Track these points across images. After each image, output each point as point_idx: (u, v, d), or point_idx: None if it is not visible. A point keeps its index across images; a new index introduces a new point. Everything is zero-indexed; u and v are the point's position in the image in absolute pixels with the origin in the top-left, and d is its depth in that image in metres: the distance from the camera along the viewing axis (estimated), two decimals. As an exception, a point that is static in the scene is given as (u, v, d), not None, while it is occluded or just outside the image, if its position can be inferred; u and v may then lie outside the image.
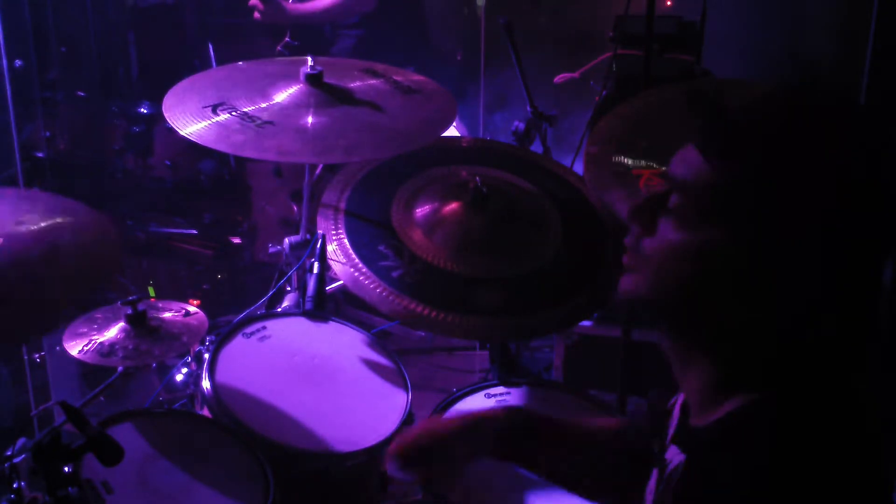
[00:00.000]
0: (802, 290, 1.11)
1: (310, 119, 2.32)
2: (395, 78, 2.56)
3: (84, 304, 2.28)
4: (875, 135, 1.13)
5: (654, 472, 1.28)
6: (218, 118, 2.28)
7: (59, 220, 1.95)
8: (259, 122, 2.27)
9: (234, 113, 2.29)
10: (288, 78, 2.43)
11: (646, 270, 1.20)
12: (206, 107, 2.32)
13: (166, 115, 2.31)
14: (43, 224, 1.92)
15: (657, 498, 1.22)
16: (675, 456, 1.22)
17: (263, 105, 2.35)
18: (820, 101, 1.15)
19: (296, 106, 2.36)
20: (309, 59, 2.43)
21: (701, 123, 1.16)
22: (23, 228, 1.89)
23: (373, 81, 2.52)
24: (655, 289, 1.20)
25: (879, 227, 1.11)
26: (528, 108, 3.10)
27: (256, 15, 3.83)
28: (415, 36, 4.05)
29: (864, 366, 1.16)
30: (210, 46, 3.91)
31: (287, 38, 3.88)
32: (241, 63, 2.66)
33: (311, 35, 3.97)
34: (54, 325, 2.10)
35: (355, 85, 2.48)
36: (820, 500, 1.07)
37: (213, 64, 3.90)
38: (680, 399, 1.31)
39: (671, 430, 1.30)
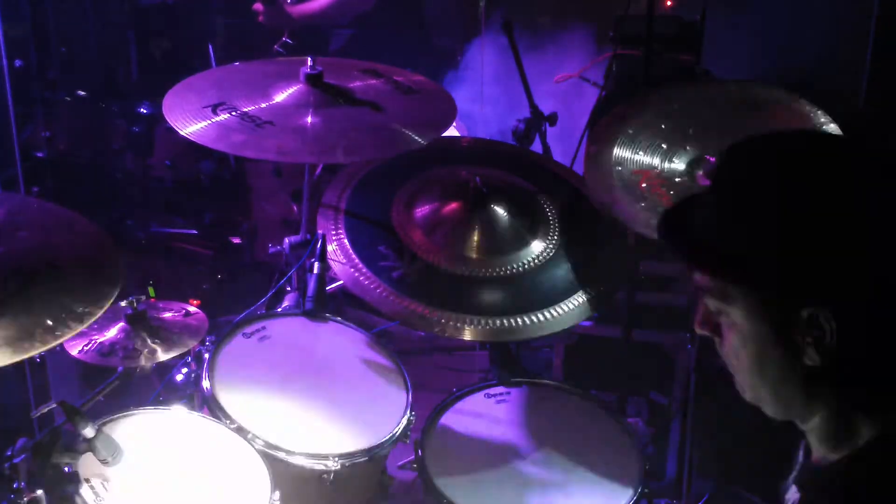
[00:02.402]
0: (855, 337, 1.12)
1: (309, 119, 2.32)
2: (395, 78, 2.55)
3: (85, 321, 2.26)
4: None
5: None
6: (218, 118, 2.28)
7: (57, 234, 1.93)
8: (259, 121, 2.26)
9: (234, 113, 2.29)
10: (288, 78, 2.43)
11: (738, 371, 1.24)
12: (206, 107, 2.31)
13: (166, 115, 2.31)
14: (41, 236, 1.91)
15: None
16: (792, 495, 1.24)
17: (263, 105, 2.35)
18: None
19: (296, 106, 2.36)
20: (309, 59, 2.42)
21: (674, 245, 1.23)
22: (23, 235, 1.88)
23: (373, 81, 2.52)
24: (752, 382, 1.22)
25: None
26: (528, 108, 3.11)
27: (261, 18, 3.85)
28: (413, 36, 4.04)
29: None
30: (210, 47, 3.91)
31: (284, 38, 3.88)
32: (239, 63, 2.66)
33: (309, 34, 3.97)
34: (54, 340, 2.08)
35: (355, 85, 2.48)
36: None
37: (213, 64, 3.90)
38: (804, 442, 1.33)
39: (794, 472, 1.31)
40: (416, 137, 2.37)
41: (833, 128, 2.35)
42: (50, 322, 1.72)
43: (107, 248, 1.93)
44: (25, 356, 1.69)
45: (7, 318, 1.70)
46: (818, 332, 1.12)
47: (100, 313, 1.78)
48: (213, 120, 2.27)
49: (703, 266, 1.20)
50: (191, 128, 2.25)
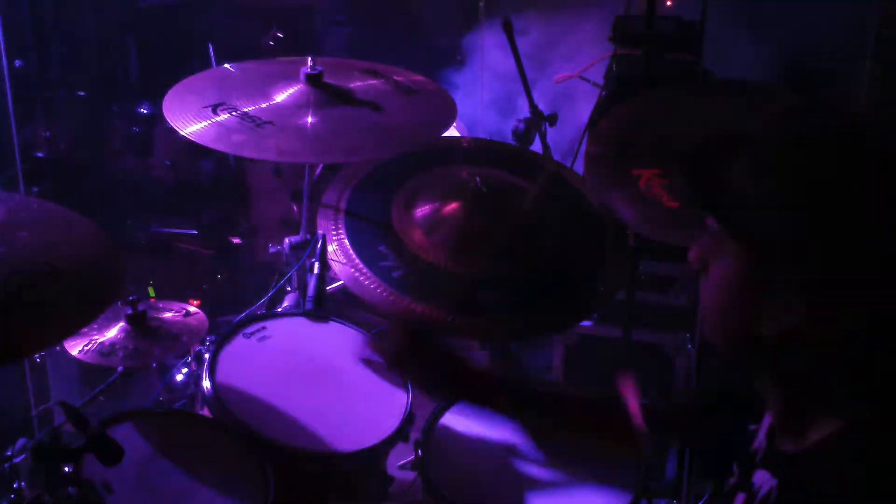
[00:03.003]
0: (851, 313, 1.12)
1: (309, 119, 2.32)
2: (395, 78, 2.55)
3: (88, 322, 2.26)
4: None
5: (741, 497, 1.30)
6: (218, 118, 2.28)
7: (57, 234, 1.93)
8: (259, 122, 2.26)
9: (234, 113, 2.29)
10: (288, 78, 2.43)
11: (706, 311, 1.24)
12: (206, 107, 2.31)
13: (166, 115, 2.31)
14: (42, 235, 1.91)
15: None
16: (765, 481, 1.24)
17: (264, 105, 2.34)
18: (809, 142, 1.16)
19: (296, 106, 2.35)
20: (309, 59, 2.42)
21: (703, 195, 1.21)
22: (23, 235, 1.88)
23: (373, 81, 2.52)
24: (716, 325, 1.23)
25: None
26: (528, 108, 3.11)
27: None
28: (411, 34, 4.04)
29: None
30: (210, 46, 3.91)
31: (274, 28, 3.87)
32: (237, 64, 2.65)
33: (299, 28, 3.96)
34: (55, 341, 2.07)
35: (355, 85, 2.48)
36: None
37: (213, 64, 3.90)
38: (766, 422, 1.32)
39: (758, 455, 1.31)
40: (416, 137, 2.37)
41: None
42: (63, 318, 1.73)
43: (108, 248, 1.93)
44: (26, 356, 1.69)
45: (7, 318, 1.70)
46: (787, 313, 1.13)
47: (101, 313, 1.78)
48: (213, 120, 2.27)
49: (716, 213, 1.20)
50: (191, 128, 2.25)
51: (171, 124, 2.28)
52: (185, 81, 2.46)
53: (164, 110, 2.32)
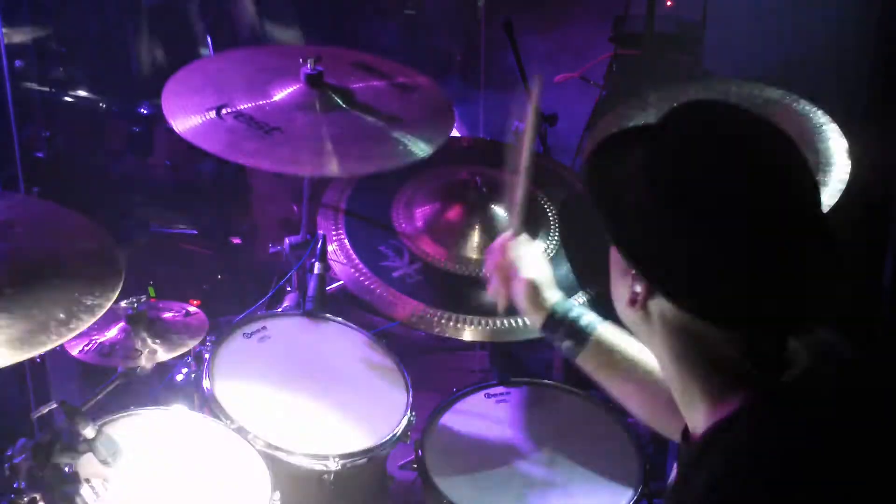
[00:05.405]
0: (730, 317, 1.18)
1: (322, 128, 2.28)
2: (397, 80, 2.53)
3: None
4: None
5: None
6: (225, 123, 2.24)
7: (56, 229, 1.94)
8: (268, 128, 2.23)
9: (239, 118, 2.25)
10: (284, 73, 2.38)
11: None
12: (209, 109, 2.27)
13: (170, 121, 2.26)
14: (41, 232, 1.92)
15: None
16: (674, 471, 1.29)
17: (263, 103, 2.32)
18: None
19: (298, 108, 2.32)
20: (309, 61, 2.40)
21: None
22: (23, 232, 1.88)
23: (374, 83, 2.49)
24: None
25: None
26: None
27: None
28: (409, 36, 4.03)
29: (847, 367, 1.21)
30: (209, 38, 3.90)
31: None
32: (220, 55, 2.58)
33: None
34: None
35: (356, 87, 2.45)
36: None
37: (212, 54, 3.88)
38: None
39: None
40: (422, 147, 2.35)
41: (833, 128, 2.35)
42: (62, 315, 1.73)
43: (104, 240, 1.94)
44: (39, 351, 1.69)
45: (19, 313, 1.70)
46: (636, 290, 1.29)
47: (108, 305, 1.79)
48: (210, 119, 2.24)
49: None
50: (195, 131, 2.22)
51: (177, 130, 2.23)
52: (177, 76, 2.40)
53: (166, 115, 2.27)
